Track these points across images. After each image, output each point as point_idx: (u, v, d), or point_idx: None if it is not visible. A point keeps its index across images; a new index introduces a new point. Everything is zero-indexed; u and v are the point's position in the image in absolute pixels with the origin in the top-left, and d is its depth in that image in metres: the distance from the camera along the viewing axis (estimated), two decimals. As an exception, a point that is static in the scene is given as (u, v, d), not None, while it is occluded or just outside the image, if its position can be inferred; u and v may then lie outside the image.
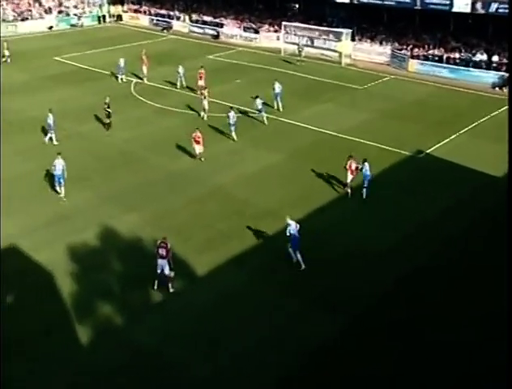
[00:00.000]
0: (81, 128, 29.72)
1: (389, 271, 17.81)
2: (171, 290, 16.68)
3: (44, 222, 20.51)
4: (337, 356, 14.39)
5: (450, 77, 38.91)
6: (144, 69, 37.82)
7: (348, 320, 15.66)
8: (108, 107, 29.04)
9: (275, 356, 14.33)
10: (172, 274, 16.62)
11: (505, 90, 35.02)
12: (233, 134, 27.53)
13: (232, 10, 54.89)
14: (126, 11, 62.35)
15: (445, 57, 40.16)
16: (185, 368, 14.07)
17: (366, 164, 21.85)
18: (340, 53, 43.22)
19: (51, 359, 14.28)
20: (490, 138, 27.33)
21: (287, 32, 46.56)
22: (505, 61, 37.33)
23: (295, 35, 46.09)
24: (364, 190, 21.96)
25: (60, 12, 59.46)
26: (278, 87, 31.64)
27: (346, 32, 43.34)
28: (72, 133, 28.78)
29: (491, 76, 37.51)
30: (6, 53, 43.25)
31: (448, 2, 38.67)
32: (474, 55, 39.43)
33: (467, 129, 29.39)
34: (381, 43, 44.26)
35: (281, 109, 31.68)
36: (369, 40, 44.96)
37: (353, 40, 44.49)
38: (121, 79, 38.00)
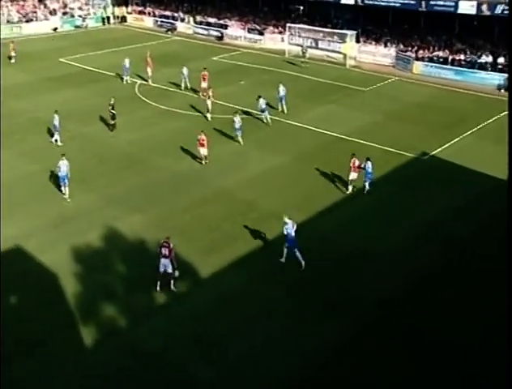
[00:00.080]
0: (85, 129, 29.73)
1: (395, 272, 17.72)
2: (172, 288, 16.62)
3: (48, 223, 20.50)
4: (346, 359, 14.31)
5: (455, 79, 38.77)
6: (149, 70, 37.79)
7: (353, 322, 15.55)
8: (113, 108, 29.02)
9: (280, 358, 14.24)
10: (177, 273, 16.56)
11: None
12: (239, 138, 27.20)
13: (237, 12, 54.96)
14: (131, 13, 62.52)
15: (450, 59, 40.04)
16: (189, 369, 14.02)
17: (369, 162, 21.98)
18: (345, 55, 43.15)
19: (54, 360, 14.23)
20: (496, 140, 27.11)
21: (291, 34, 46.52)
22: (510, 63, 37.30)
23: (299, 36, 46.06)
24: (366, 184, 22.19)
25: (65, 14, 59.72)
26: (282, 90, 31.59)
27: (350, 34, 43.28)
28: (76, 134, 28.80)
29: (496, 78, 37.33)
30: (13, 53, 43.44)
31: (453, 4, 38.67)
32: (479, 57, 39.29)
33: (472, 131, 29.30)
34: (385, 45, 44.15)
35: (285, 111, 31.62)
36: (373, 42, 44.86)
37: (358, 41, 44.42)
38: (126, 80, 38.03)
